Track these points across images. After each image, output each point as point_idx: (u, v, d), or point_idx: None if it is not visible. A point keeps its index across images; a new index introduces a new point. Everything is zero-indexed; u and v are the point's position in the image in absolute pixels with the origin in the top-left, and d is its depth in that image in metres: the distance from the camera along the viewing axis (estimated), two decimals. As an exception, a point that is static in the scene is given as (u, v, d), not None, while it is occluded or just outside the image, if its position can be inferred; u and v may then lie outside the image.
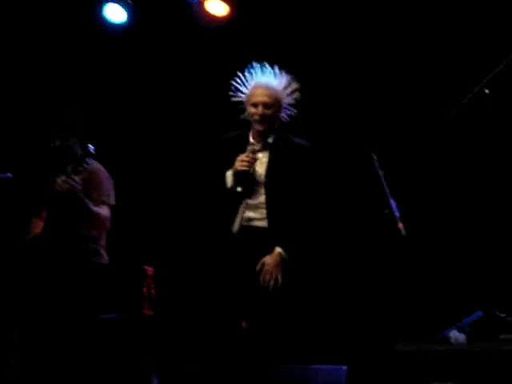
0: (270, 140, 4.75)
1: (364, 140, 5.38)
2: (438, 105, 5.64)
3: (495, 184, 5.98)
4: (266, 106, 4.69)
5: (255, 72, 4.76)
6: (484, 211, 6.02)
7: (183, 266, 6.77)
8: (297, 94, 4.77)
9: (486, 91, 4.35)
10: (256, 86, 4.73)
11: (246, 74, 4.77)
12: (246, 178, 4.66)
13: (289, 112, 4.79)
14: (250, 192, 4.67)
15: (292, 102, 4.78)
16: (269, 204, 4.66)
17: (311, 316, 6.42)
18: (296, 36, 6.53)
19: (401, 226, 5.07)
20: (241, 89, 4.77)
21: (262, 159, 4.74)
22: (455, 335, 4.91)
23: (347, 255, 6.39)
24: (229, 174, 4.68)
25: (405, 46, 6.27)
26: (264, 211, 4.66)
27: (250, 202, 4.67)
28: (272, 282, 4.61)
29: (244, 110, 4.77)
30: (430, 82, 6.20)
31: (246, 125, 4.81)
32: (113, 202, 5.36)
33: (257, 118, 4.70)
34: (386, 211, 5.03)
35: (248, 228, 4.67)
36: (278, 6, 6.48)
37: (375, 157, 5.09)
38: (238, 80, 4.79)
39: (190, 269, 6.55)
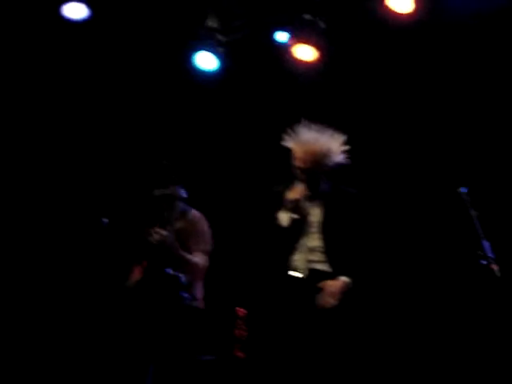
0: (322, 188, 4.86)
1: (455, 180, 5.33)
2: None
3: None
4: (306, 171, 4.80)
5: (307, 127, 4.84)
6: None
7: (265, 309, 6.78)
8: (345, 151, 4.83)
9: None
10: (301, 145, 4.81)
11: (295, 128, 4.85)
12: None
13: (340, 163, 4.85)
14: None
15: (342, 159, 4.84)
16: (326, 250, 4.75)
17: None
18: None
19: (495, 267, 5.02)
20: (288, 143, 4.86)
21: (315, 207, 4.82)
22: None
23: (442, 297, 6.31)
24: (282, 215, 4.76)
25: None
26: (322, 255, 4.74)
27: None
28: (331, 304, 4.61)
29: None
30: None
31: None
32: (210, 249, 5.40)
33: (303, 176, 4.82)
34: (480, 253, 4.99)
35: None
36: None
37: (468, 197, 5.07)
38: (288, 134, 4.86)
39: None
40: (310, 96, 6.68)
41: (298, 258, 4.81)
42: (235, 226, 6.82)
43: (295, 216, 4.74)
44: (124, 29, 6.77)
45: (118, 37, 6.82)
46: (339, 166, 4.88)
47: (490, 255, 5.00)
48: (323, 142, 4.81)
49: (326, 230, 4.80)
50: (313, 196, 4.86)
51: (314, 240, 4.81)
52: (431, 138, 6.45)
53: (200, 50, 6.73)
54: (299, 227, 4.79)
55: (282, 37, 6.66)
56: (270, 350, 5.19)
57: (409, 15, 6.24)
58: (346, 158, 4.87)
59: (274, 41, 6.67)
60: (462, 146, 6.32)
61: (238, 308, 6.34)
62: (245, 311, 6.30)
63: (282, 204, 4.80)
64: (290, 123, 4.90)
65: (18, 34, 6.69)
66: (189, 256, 5.26)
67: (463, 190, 5.10)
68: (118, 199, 6.69)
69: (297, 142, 4.84)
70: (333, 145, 4.84)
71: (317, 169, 4.82)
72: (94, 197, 6.76)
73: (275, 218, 4.80)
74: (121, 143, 6.93)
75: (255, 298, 6.53)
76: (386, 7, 6.26)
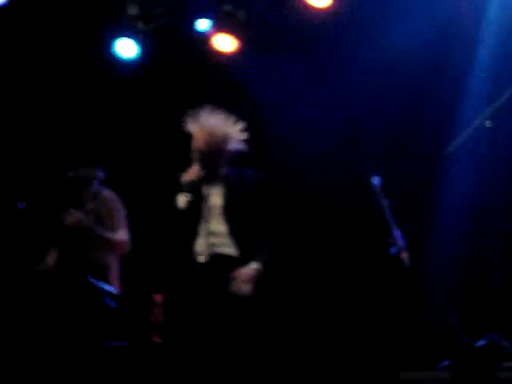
0: (223, 173, 4.94)
1: (368, 167, 5.48)
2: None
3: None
4: (200, 152, 4.88)
5: (202, 112, 4.94)
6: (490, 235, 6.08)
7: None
8: (244, 134, 4.94)
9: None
10: (197, 127, 4.92)
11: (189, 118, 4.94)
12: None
13: (237, 148, 4.96)
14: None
15: (240, 146, 4.95)
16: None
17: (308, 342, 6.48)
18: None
19: (404, 255, 5.17)
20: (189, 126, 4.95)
21: (216, 191, 4.91)
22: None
23: (349, 283, 6.44)
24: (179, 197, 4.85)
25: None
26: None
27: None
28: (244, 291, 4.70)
29: None
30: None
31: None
32: (126, 225, 5.44)
33: (199, 156, 4.89)
34: (390, 241, 5.13)
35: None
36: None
37: (379, 186, 5.20)
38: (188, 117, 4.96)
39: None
40: (225, 85, 6.74)
41: (200, 243, 4.86)
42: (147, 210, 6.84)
43: (190, 197, 4.80)
44: (42, 15, 6.71)
45: (35, 23, 6.76)
46: (238, 152, 4.96)
47: (400, 244, 5.14)
48: (221, 126, 4.92)
49: (229, 213, 4.85)
50: (210, 178, 4.92)
51: (217, 224, 4.85)
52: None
53: (120, 37, 6.72)
54: (197, 210, 4.84)
55: (203, 25, 6.70)
56: (185, 335, 5.24)
57: (326, 9, 6.37)
58: (245, 144, 4.95)
59: (194, 29, 6.69)
60: (372, 134, 6.47)
61: (154, 294, 6.37)
62: (161, 297, 6.34)
63: (179, 187, 4.87)
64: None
65: None
66: (106, 233, 5.29)
67: (375, 179, 5.23)
68: (33, 183, 6.64)
69: (196, 124, 4.93)
70: (230, 130, 4.93)
71: (213, 151, 4.90)
72: (8, 181, 6.68)
73: (175, 202, 4.86)
74: (37, 128, 6.87)
75: (165, 283, 6.61)
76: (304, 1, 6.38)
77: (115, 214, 5.40)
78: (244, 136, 4.95)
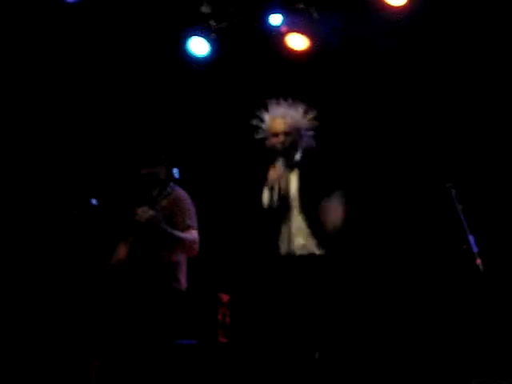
0: (297, 157, 4.94)
1: (442, 173, 5.38)
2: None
3: None
4: (284, 133, 4.91)
5: (271, 104, 5.00)
6: None
7: (252, 293, 6.81)
8: (315, 122, 4.96)
9: None
10: (272, 117, 4.97)
11: (262, 110, 4.99)
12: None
13: (311, 139, 4.97)
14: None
15: (312, 128, 4.96)
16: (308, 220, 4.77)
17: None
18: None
19: (479, 261, 5.07)
20: (260, 122, 5.00)
21: (292, 182, 4.89)
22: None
23: (426, 290, 6.34)
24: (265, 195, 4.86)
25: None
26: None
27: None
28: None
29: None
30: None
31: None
32: (197, 225, 5.42)
33: (279, 146, 4.88)
34: (465, 246, 5.04)
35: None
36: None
37: (454, 190, 5.11)
38: (257, 118, 5.01)
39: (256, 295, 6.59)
40: (298, 81, 6.69)
41: (283, 239, 4.83)
42: (222, 209, 6.83)
43: (276, 195, 4.77)
44: (117, 15, 6.75)
45: (111, 22, 6.80)
46: (311, 141, 4.94)
47: (474, 249, 5.06)
48: (293, 113, 4.96)
49: (305, 206, 4.81)
50: (290, 167, 4.90)
51: (297, 219, 4.82)
52: (417, 131, 6.48)
53: (193, 35, 6.74)
54: (282, 207, 4.82)
55: (276, 20, 6.65)
56: (255, 336, 5.22)
57: (402, 7, 6.28)
58: (317, 133, 4.94)
59: (267, 26, 6.65)
60: (447, 139, 6.34)
61: (221, 293, 6.37)
62: (228, 296, 6.33)
63: (265, 184, 4.85)
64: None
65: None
66: (177, 233, 5.28)
67: (449, 184, 5.16)
68: (107, 180, 6.68)
69: (275, 116, 4.97)
70: (302, 116, 4.96)
71: (295, 142, 4.91)
72: (82, 178, 6.75)
73: (259, 200, 4.85)
74: (112, 125, 6.91)
75: (240, 282, 6.60)
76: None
77: (187, 214, 5.37)
78: (317, 125, 4.96)
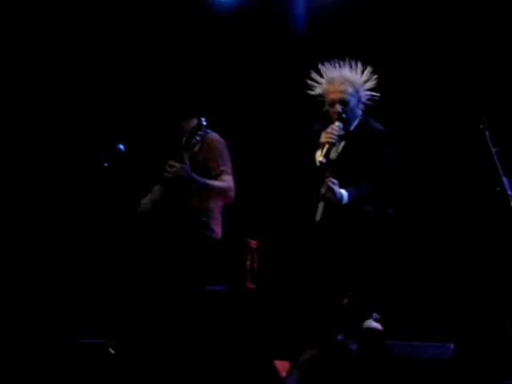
0: (351, 128, 4.81)
1: (477, 115, 5.29)
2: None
3: None
4: (342, 103, 4.75)
5: (328, 66, 4.84)
6: None
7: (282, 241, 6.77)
8: (374, 80, 4.84)
9: None
10: (330, 82, 4.80)
11: (319, 68, 4.85)
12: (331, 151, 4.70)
13: (370, 97, 4.87)
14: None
15: (370, 87, 4.85)
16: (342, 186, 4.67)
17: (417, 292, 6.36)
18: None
19: (514, 204, 5.00)
20: (316, 85, 4.86)
21: (339, 147, 4.77)
22: None
23: (458, 233, 6.28)
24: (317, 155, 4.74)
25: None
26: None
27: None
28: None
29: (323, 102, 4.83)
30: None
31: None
32: (231, 170, 5.35)
33: (335, 116, 4.75)
34: (498, 189, 4.97)
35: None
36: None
37: (488, 133, 5.02)
38: (313, 76, 4.86)
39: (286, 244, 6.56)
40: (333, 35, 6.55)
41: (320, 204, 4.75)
42: (261, 160, 6.74)
43: (323, 159, 4.67)
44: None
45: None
46: (368, 99, 4.82)
47: (509, 192, 4.98)
48: (351, 77, 4.81)
49: (343, 169, 4.74)
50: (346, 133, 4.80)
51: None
52: (451, 75, 6.36)
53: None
54: (326, 169, 4.72)
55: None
56: (284, 282, 5.21)
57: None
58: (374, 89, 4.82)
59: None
60: (482, 82, 6.22)
61: (249, 239, 6.33)
62: (256, 242, 6.30)
63: (317, 144, 4.74)
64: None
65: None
66: (209, 181, 5.23)
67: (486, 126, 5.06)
68: (137, 126, 6.62)
69: (329, 79, 4.83)
70: (360, 79, 4.84)
71: (354, 104, 4.79)
72: (114, 126, 6.68)
73: (310, 159, 4.75)
74: (143, 77, 6.82)
75: (270, 228, 6.56)
76: None
77: (220, 159, 5.32)
78: (372, 78, 4.85)
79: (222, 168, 5.30)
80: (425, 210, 6.32)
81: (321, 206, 4.73)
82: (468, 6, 6.29)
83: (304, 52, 6.43)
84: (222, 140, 5.41)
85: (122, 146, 5.47)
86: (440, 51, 6.36)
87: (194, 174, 5.16)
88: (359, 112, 4.86)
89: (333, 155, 4.77)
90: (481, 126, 5.09)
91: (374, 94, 4.88)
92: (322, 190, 4.63)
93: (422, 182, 6.35)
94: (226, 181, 5.29)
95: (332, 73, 4.83)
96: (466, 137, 5.79)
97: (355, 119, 4.84)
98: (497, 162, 5.01)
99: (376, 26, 6.42)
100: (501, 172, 5.00)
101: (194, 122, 5.28)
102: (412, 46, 6.43)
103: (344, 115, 4.76)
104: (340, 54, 4.91)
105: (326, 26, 6.53)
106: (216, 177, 5.28)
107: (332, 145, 4.71)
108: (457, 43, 6.31)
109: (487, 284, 6.00)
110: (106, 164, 5.37)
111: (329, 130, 4.73)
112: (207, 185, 5.22)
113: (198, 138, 5.14)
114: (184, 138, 5.22)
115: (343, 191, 4.64)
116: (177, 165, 5.10)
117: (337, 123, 4.75)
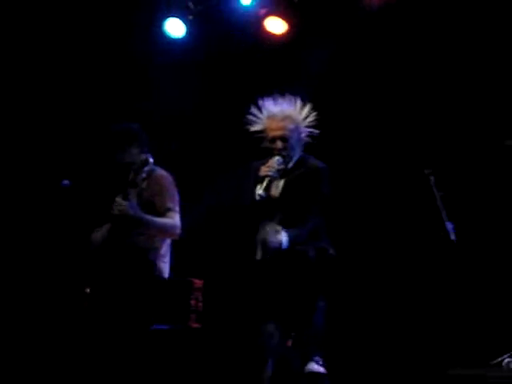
0: (291, 165, 4.82)
1: (422, 160, 5.36)
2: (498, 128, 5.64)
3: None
4: (283, 139, 4.75)
5: (268, 102, 4.82)
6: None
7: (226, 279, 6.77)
8: (313, 116, 4.83)
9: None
10: (271, 118, 4.79)
11: (259, 104, 4.83)
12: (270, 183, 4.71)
13: (309, 134, 4.85)
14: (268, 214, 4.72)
15: (310, 124, 4.84)
16: (283, 224, 4.66)
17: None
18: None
19: (456, 248, 5.06)
20: (256, 120, 4.84)
21: (279, 183, 4.79)
22: (508, 362, 4.89)
23: (401, 276, 6.33)
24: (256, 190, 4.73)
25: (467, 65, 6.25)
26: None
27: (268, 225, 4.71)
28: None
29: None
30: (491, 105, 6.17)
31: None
32: (178, 208, 5.31)
33: (276, 152, 4.76)
34: (442, 234, 5.04)
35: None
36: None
37: (432, 178, 5.09)
38: (253, 112, 4.84)
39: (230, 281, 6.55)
40: (277, 67, 6.63)
41: (261, 237, 4.75)
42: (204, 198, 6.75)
43: (262, 193, 4.67)
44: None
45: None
46: (307, 136, 4.85)
47: (452, 237, 5.05)
48: (291, 114, 4.80)
49: (285, 206, 4.74)
50: (285, 169, 4.81)
51: (276, 217, 4.74)
52: (396, 116, 6.45)
53: (169, 16, 6.66)
54: (266, 204, 4.72)
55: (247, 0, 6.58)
56: (227, 321, 5.18)
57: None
58: (314, 126, 4.84)
59: (242, 8, 6.57)
60: (426, 127, 6.33)
61: (194, 279, 6.30)
62: (201, 282, 6.27)
63: (256, 179, 4.75)
64: (255, 93, 4.90)
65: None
66: (154, 219, 5.19)
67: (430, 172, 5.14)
68: (85, 164, 6.57)
69: (265, 116, 4.80)
70: (300, 114, 4.82)
71: (294, 140, 4.79)
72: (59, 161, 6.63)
73: (250, 194, 4.75)
74: (87, 109, 6.81)
75: (215, 267, 6.54)
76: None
77: (167, 195, 5.27)
78: (312, 117, 4.84)
79: (168, 205, 5.26)
80: (369, 252, 6.37)
81: (259, 246, 4.74)
82: (406, 56, 6.40)
83: (244, 87, 6.48)
84: (168, 176, 5.38)
85: (66, 182, 5.41)
86: (385, 95, 6.46)
87: (139, 212, 5.12)
88: (299, 148, 4.87)
89: (274, 192, 4.78)
90: (425, 172, 5.16)
91: (313, 130, 4.87)
92: (267, 238, 4.63)
93: (367, 224, 6.41)
94: (172, 218, 5.26)
95: (272, 108, 4.81)
96: (410, 182, 5.87)
97: (295, 155, 4.84)
98: (441, 206, 5.08)
99: (320, 61, 6.49)
100: (445, 217, 5.06)
101: (141, 157, 5.24)
102: (358, 87, 6.53)
103: (284, 152, 4.76)
104: (280, 90, 4.91)
105: (266, 61, 6.59)
106: (162, 214, 5.24)
107: (272, 178, 4.71)
108: (401, 88, 6.41)
109: (431, 328, 6.06)
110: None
111: (269, 163, 4.73)
112: (153, 222, 5.18)
113: (143, 175, 5.11)
114: (131, 175, 5.18)
115: (283, 236, 4.64)
116: (123, 202, 5.06)
117: (277, 157, 4.75)
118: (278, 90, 4.86)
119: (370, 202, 6.39)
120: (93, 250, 5.30)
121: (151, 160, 5.12)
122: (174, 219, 5.23)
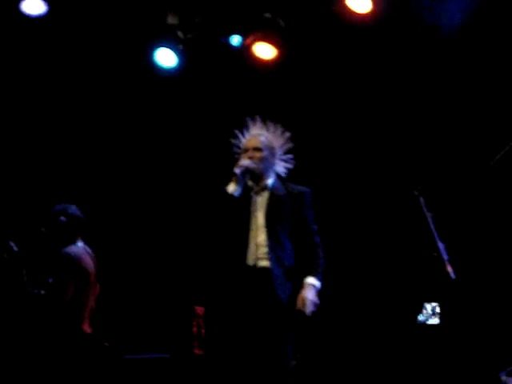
0: (269, 182, 4.89)
1: (412, 181, 5.40)
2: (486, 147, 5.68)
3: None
4: (256, 149, 4.89)
5: (250, 125, 4.99)
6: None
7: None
8: (289, 145, 4.95)
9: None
10: (249, 136, 4.98)
11: (241, 130, 4.99)
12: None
13: (286, 164, 4.97)
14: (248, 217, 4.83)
15: (285, 152, 4.96)
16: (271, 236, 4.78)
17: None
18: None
19: (449, 268, 5.09)
20: (238, 143, 5.00)
21: (262, 201, 4.87)
22: (506, 379, 4.91)
23: (395, 297, 6.37)
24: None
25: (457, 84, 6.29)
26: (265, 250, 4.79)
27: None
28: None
29: None
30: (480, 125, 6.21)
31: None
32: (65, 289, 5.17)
33: (247, 162, 4.87)
34: (435, 254, 5.06)
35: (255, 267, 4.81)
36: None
37: (423, 199, 5.13)
38: (236, 138, 5.01)
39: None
40: (267, 94, 6.69)
41: (248, 253, 4.83)
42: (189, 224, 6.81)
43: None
44: (83, 24, 6.72)
45: (77, 32, 6.77)
46: (285, 162, 4.94)
47: (445, 256, 5.07)
48: (268, 133, 4.96)
49: (270, 224, 4.82)
50: (258, 188, 4.91)
51: (261, 234, 4.83)
52: (384, 138, 6.51)
53: (160, 46, 6.72)
54: (246, 221, 4.82)
55: (235, 40, 6.67)
56: (228, 347, 5.22)
57: (367, 15, 6.29)
58: (291, 154, 4.93)
59: (229, 44, 6.67)
60: (416, 146, 6.37)
61: (195, 306, 6.36)
62: (202, 309, 6.33)
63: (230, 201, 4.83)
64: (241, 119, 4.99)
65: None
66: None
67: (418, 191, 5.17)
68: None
69: (245, 137, 4.98)
70: (278, 138, 4.96)
71: (267, 155, 4.90)
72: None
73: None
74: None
75: (212, 295, 6.58)
76: (345, 6, 6.30)
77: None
78: (289, 145, 4.95)
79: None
80: (361, 273, 6.42)
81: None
82: (394, 78, 6.44)
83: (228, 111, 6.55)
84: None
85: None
86: (375, 117, 6.52)
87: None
88: (271, 169, 4.96)
89: (257, 216, 4.86)
90: (415, 193, 5.19)
91: (288, 162, 4.97)
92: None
93: (359, 246, 6.45)
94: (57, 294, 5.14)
95: (252, 130, 5.00)
96: (400, 203, 5.90)
97: (267, 172, 4.94)
98: (432, 227, 5.10)
99: (304, 87, 6.55)
100: (436, 237, 5.09)
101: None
102: (347, 108, 6.59)
103: (256, 160, 4.87)
104: (263, 116, 5.02)
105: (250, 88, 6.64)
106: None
107: (243, 173, 4.79)
108: (391, 109, 6.46)
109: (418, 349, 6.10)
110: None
111: (239, 161, 4.84)
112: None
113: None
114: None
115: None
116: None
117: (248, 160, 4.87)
118: (262, 116, 4.96)
119: (359, 225, 6.45)
120: None
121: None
122: (60, 294, 5.12)
